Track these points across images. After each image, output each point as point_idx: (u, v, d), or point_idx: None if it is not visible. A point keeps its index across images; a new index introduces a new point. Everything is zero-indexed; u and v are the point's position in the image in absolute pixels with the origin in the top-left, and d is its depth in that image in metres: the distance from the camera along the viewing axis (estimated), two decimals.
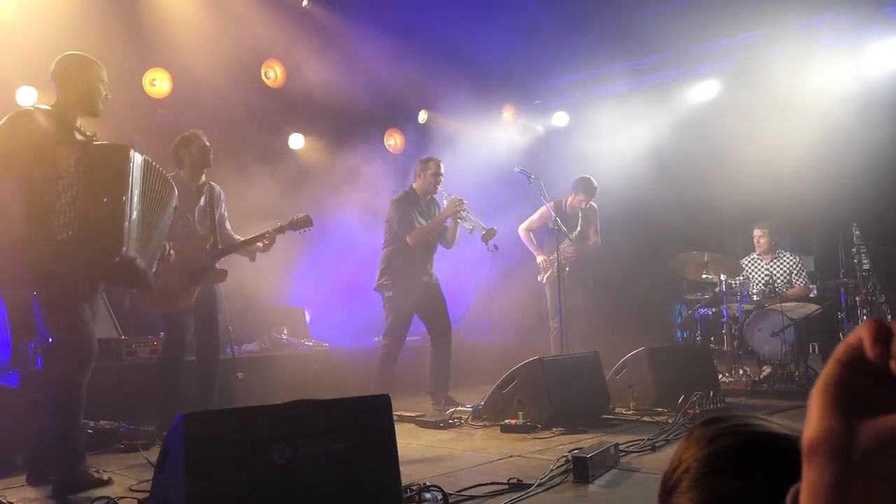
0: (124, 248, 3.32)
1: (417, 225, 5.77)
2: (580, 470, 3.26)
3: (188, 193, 4.70)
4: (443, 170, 5.93)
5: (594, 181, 6.71)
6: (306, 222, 4.97)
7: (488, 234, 5.70)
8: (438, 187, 5.89)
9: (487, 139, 8.88)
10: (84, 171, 3.31)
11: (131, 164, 3.40)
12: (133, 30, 6.50)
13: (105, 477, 3.45)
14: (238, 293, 6.00)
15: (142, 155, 3.53)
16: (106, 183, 3.33)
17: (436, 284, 5.96)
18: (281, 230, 4.94)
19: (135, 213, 3.40)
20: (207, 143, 4.85)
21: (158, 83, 6.91)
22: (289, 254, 6.81)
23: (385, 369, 5.73)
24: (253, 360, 6.05)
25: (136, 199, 3.41)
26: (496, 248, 5.73)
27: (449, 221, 5.87)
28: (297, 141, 8.13)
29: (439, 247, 6.06)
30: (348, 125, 8.23)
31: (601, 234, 6.91)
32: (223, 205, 5.01)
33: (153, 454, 4.15)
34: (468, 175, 8.11)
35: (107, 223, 3.30)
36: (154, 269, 3.66)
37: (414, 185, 5.97)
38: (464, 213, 5.76)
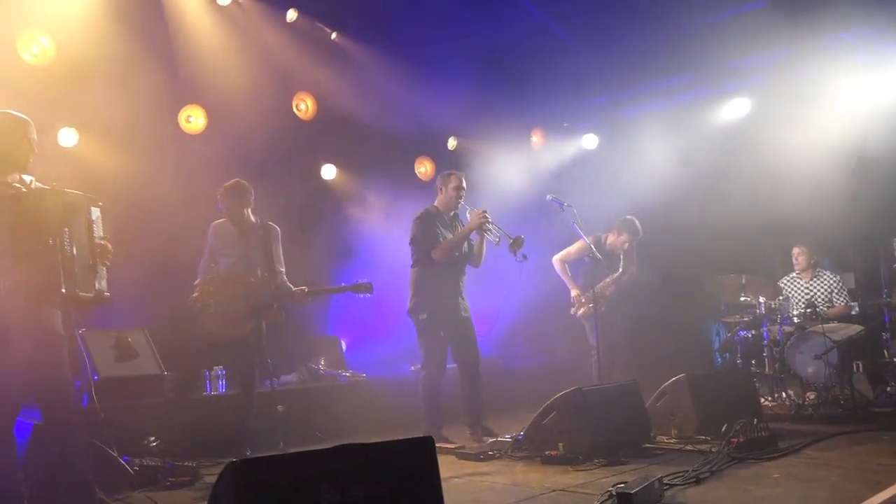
0: (63, 288, 3.52)
1: (442, 239, 5.61)
2: None
3: (230, 238, 5.04)
4: (465, 183, 5.75)
5: (638, 223, 6.60)
6: (367, 288, 5.09)
7: (516, 244, 5.42)
8: (460, 202, 5.71)
9: (517, 164, 8.89)
10: (11, 221, 3.46)
11: (53, 207, 3.56)
12: (169, 68, 6.64)
13: None
14: (275, 323, 6.03)
15: (71, 191, 3.68)
16: (34, 228, 3.50)
17: (467, 312, 5.75)
18: (342, 290, 5.15)
19: (67, 249, 3.56)
20: (241, 194, 5.09)
21: (194, 119, 7.05)
22: (323, 283, 6.85)
23: (432, 401, 5.52)
24: (292, 392, 6.10)
25: (66, 235, 3.57)
26: (525, 257, 5.44)
27: (474, 236, 5.68)
28: (329, 172, 8.22)
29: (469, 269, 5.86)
30: (379, 154, 8.31)
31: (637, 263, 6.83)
32: (279, 244, 5.18)
33: (198, 491, 4.22)
34: (498, 201, 8.12)
35: (41, 267, 3.47)
36: (104, 278, 3.80)
37: (436, 203, 5.80)
38: (488, 225, 5.56)
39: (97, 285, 3.74)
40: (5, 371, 3.48)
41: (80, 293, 3.62)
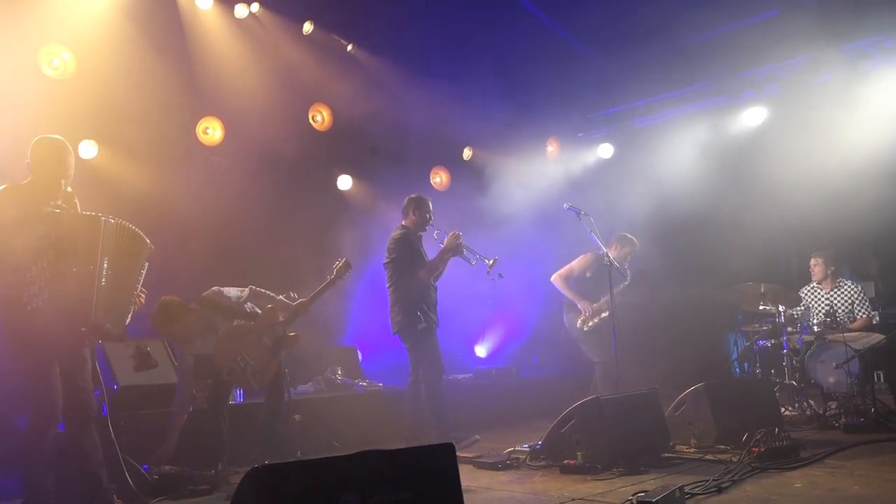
0: (92, 317, 3.59)
1: (428, 259, 5.77)
2: None
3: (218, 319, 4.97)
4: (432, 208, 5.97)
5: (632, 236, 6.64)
6: (346, 267, 5.15)
7: (492, 266, 5.70)
8: (429, 226, 5.88)
9: (532, 174, 8.90)
10: (55, 243, 3.52)
11: (101, 235, 3.61)
12: (187, 81, 6.73)
13: None
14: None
15: (115, 220, 3.71)
16: (75, 254, 3.56)
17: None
18: (332, 284, 5.11)
19: (104, 280, 3.62)
20: (171, 320, 4.75)
21: (211, 131, 7.12)
22: (339, 293, 6.88)
23: (443, 410, 5.52)
24: (309, 401, 6.09)
25: (105, 266, 3.62)
26: (500, 275, 5.73)
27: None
28: (345, 182, 8.27)
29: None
30: (394, 165, 8.34)
31: (652, 270, 6.80)
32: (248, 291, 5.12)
33: (217, 499, 4.22)
34: (514, 211, 8.13)
35: (75, 293, 3.54)
36: (128, 321, 3.87)
37: (406, 223, 5.89)
38: (463, 247, 5.73)
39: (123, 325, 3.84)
40: (51, 386, 3.58)
41: (107, 325, 3.71)
